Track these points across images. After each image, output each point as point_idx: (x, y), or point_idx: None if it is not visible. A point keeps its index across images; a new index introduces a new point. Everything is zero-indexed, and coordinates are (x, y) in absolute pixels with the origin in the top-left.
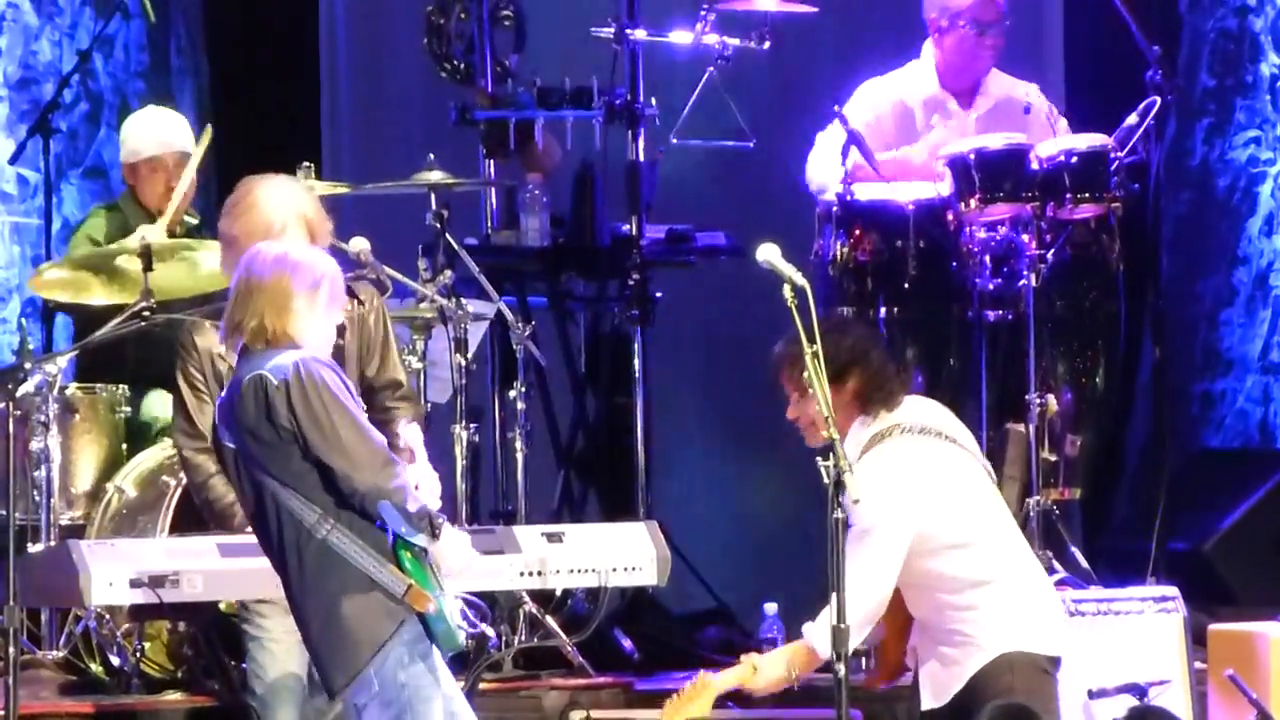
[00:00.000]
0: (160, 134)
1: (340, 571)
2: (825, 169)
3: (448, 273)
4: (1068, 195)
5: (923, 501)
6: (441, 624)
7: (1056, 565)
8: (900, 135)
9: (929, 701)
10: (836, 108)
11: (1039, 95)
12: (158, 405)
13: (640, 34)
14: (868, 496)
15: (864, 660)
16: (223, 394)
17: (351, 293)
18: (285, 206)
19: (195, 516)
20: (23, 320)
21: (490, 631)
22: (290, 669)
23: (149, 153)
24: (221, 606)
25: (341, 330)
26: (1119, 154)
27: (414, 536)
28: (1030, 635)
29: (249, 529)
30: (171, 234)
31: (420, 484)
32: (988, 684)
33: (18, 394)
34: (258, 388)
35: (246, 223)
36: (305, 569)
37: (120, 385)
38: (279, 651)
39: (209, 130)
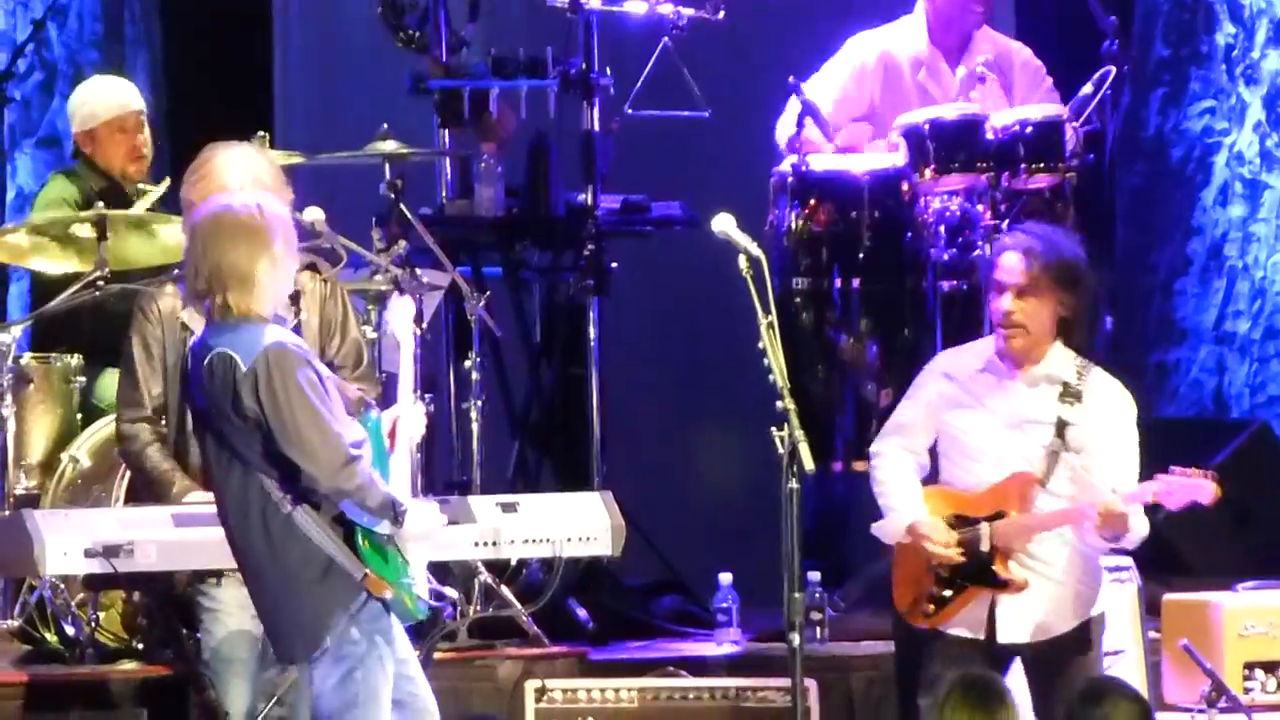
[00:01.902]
0: (116, 96)
1: (303, 546)
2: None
3: (402, 243)
4: (1022, 165)
5: None
6: (399, 605)
7: None
8: (886, 89)
9: (1015, 636)
10: (792, 79)
11: (1026, 55)
12: (111, 377)
13: (595, 3)
14: (1133, 405)
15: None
16: (192, 348)
17: (313, 267)
18: (244, 172)
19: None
20: None
21: (452, 593)
22: (243, 640)
23: (108, 115)
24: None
25: (298, 304)
26: (1074, 124)
27: (376, 526)
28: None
29: (185, 499)
30: (130, 201)
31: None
32: (1086, 635)
33: None
34: (226, 368)
35: (204, 188)
36: (272, 538)
37: (75, 355)
38: (232, 623)
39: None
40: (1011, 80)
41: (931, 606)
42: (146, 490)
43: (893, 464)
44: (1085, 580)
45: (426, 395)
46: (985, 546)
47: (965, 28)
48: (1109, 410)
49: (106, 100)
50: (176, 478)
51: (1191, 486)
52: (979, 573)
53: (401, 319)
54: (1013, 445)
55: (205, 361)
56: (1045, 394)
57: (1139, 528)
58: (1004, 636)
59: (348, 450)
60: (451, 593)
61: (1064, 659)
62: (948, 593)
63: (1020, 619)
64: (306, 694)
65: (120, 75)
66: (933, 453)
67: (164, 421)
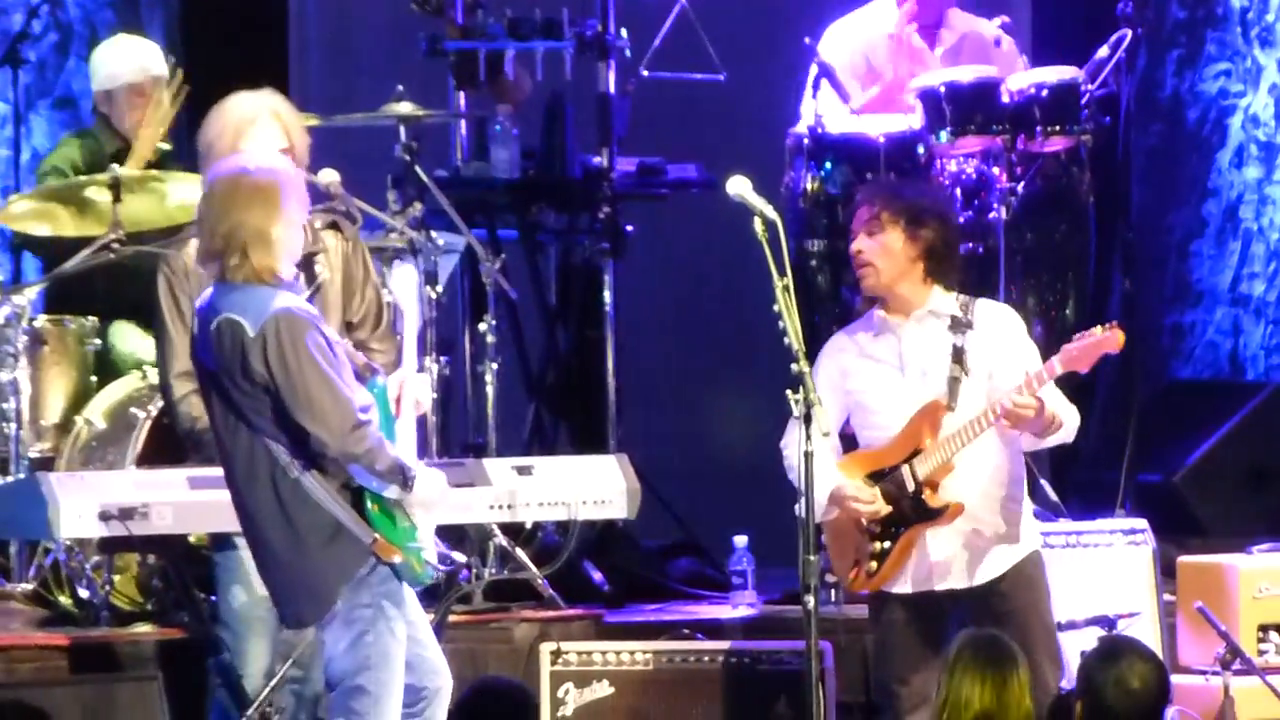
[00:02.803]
0: (141, 60)
1: (312, 511)
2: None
3: (417, 205)
4: (1038, 128)
5: None
6: (407, 570)
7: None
8: (870, 76)
9: (959, 580)
10: (808, 40)
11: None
12: (125, 339)
13: None
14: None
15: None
16: (199, 310)
17: (335, 226)
18: (258, 104)
19: (164, 449)
20: None
21: (461, 558)
22: (262, 601)
23: (131, 79)
24: (191, 539)
25: (315, 265)
26: (1089, 86)
27: (385, 490)
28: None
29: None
30: (146, 162)
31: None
32: (1028, 572)
33: None
34: (234, 332)
35: (219, 123)
36: (281, 503)
37: (90, 317)
38: (251, 583)
39: (179, 74)
40: (989, 59)
41: (874, 564)
42: (193, 450)
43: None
44: (1008, 512)
45: (443, 358)
46: (910, 486)
47: (938, 9)
48: (1001, 329)
49: (129, 62)
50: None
51: (1095, 343)
52: (911, 514)
53: (404, 286)
54: (915, 388)
55: (213, 326)
56: (934, 328)
57: (1067, 417)
58: (940, 584)
59: (357, 414)
60: (460, 557)
61: (1011, 605)
62: (886, 544)
63: (953, 563)
64: (320, 657)
65: (136, 35)
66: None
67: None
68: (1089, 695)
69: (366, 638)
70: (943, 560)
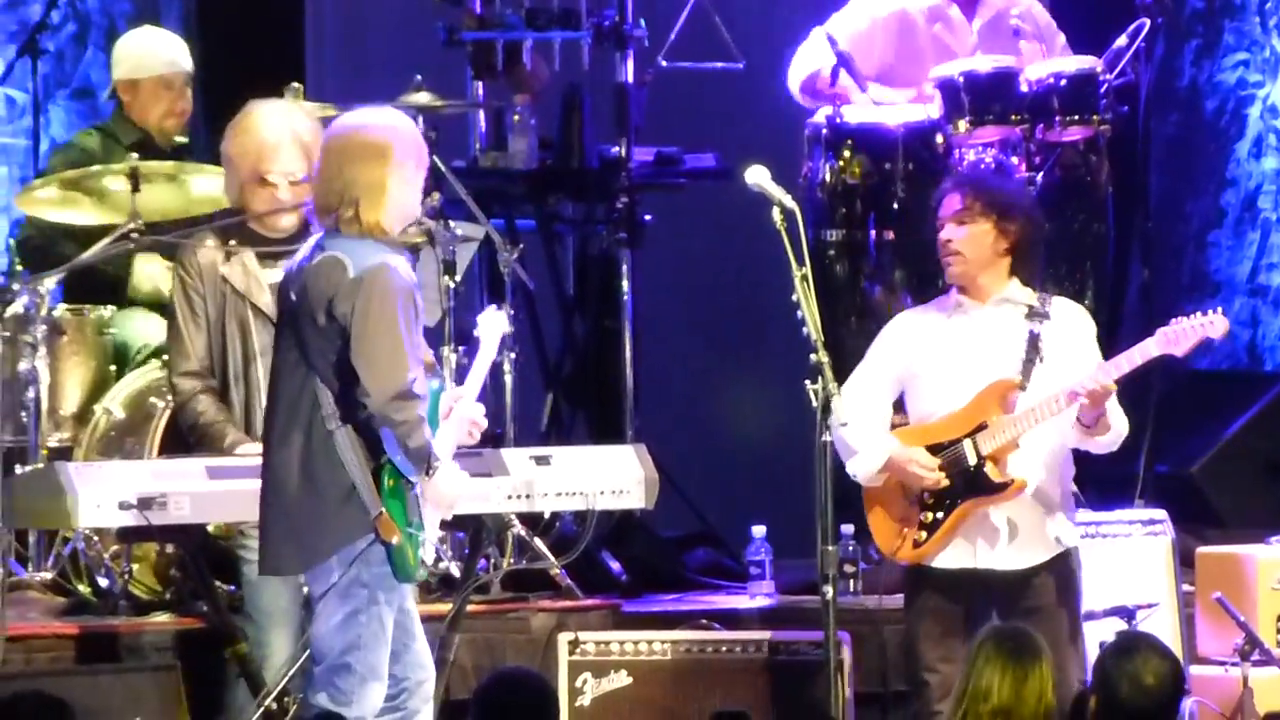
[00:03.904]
0: (167, 53)
1: (334, 468)
2: (805, 68)
3: (435, 195)
4: (1056, 117)
5: None
6: (401, 556)
7: None
8: (901, 44)
9: (1001, 560)
10: (826, 34)
11: (1037, 9)
12: (138, 327)
13: None
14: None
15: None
16: (304, 254)
17: None
18: (281, 128)
19: (183, 438)
20: (11, 241)
21: (456, 570)
22: (285, 590)
23: (157, 71)
24: (210, 529)
25: None
26: (1108, 76)
27: (405, 466)
28: None
29: (237, 451)
30: (163, 153)
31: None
32: (1065, 568)
33: (5, 315)
34: (334, 269)
35: (243, 143)
36: (310, 449)
37: (109, 307)
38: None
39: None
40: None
41: (923, 534)
42: (197, 442)
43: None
44: (1062, 500)
45: (460, 348)
46: (972, 460)
47: None
48: (1076, 326)
49: (157, 55)
50: (229, 429)
51: (1196, 325)
52: (971, 487)
53: (490, 328)
54: (983, 370)
55: (314, 261)
56: (1011, 314)
57: (1118, 424)
58: (982, 562)
59: (410, 383)
60: (455, 569)
61: (1042, 600)
62: (938, 515)
63: (999, 542)
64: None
65: (153, 26)
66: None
67: (213, 375)
68: (1103, 690)
69: (360, 617)
70: (989, 538)
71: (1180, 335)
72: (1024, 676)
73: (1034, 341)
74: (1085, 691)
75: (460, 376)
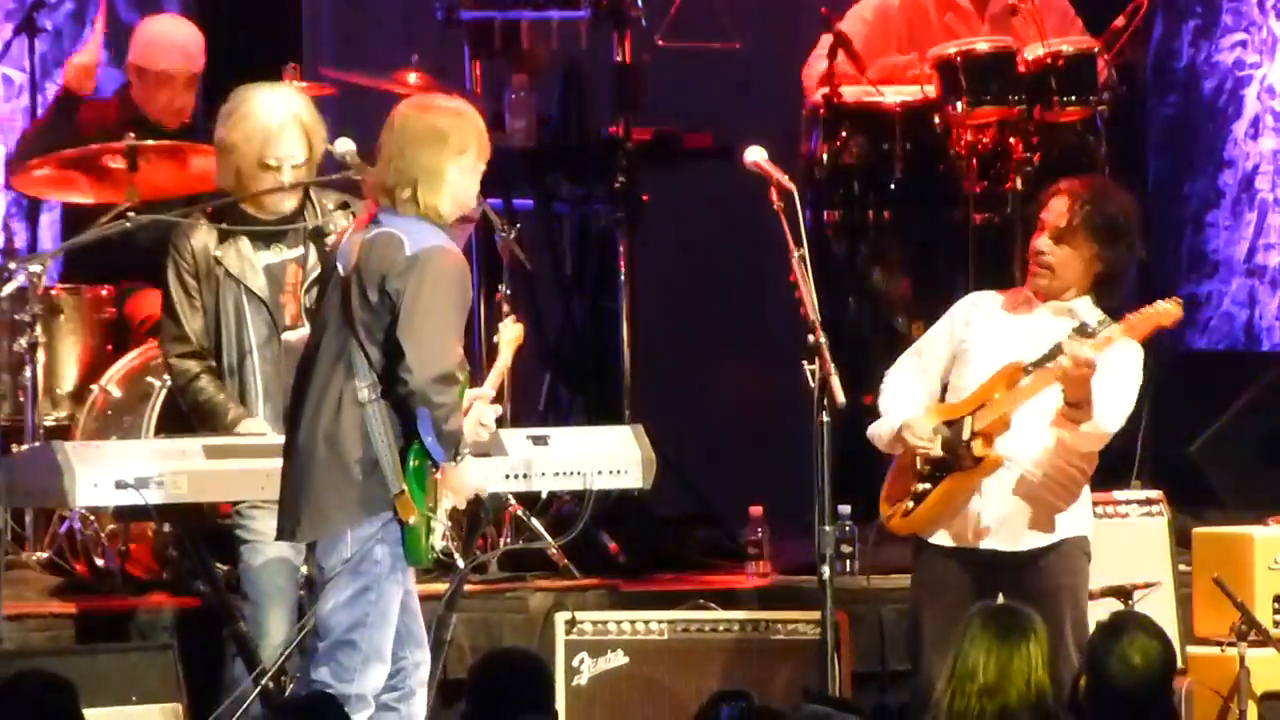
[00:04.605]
0: (182, 48)
1: (362, 442)
2: (817, 69)
3: None
4: (1054, 98)
5: None
6: (414, 538)
7: None
8: (913, 29)
9: (1003, 541)
10: (824, 10)
11: None
12: (143, 303)
13: None
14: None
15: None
16: (360, 230)
17: (346, 205)
18: (283, 112)
19: (181, 418)
20: (8, 220)
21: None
22: (282, 569)
23: (165, 65)
24: (207, 508)
25: (322, 247)
26: (1106, 56)
27: (435, 449)
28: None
29: (239, 429)
30: (162, 132)
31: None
32: (1073, 553)
33: (2, 294)
34: (391, 246)
35: (245, 130)
36: (340, 421)
37: (105, 286)
38: (271, 552)
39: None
40: (1041, 20)
41: (910, 504)
42: (200, 422)
43: (897, 377)
44: (1065, 486)
45: None
46: (965, 435)
47: None
48: (1116, 352)
49: (170, 50)
50: (231, 406)
51: (1154, 314)
52: (955, 461)
53: (508, 337)
54: (1016, 351)
55: (370, 235)
56: (1061, 325)
57: (1100, 417)
58: (984, 542)
59: (453, 367)
60: (460, 562)
61: (1047, 585)
62: (925, 486)
63: (998, 523)
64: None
65: (148, 7)
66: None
67: (212, 357)
68: (1092, 670)
69: (370, 594)
70: (990, 519)
71: (1139, 323)
72: (1009, 656)
73: (1055, 351)
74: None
75: None
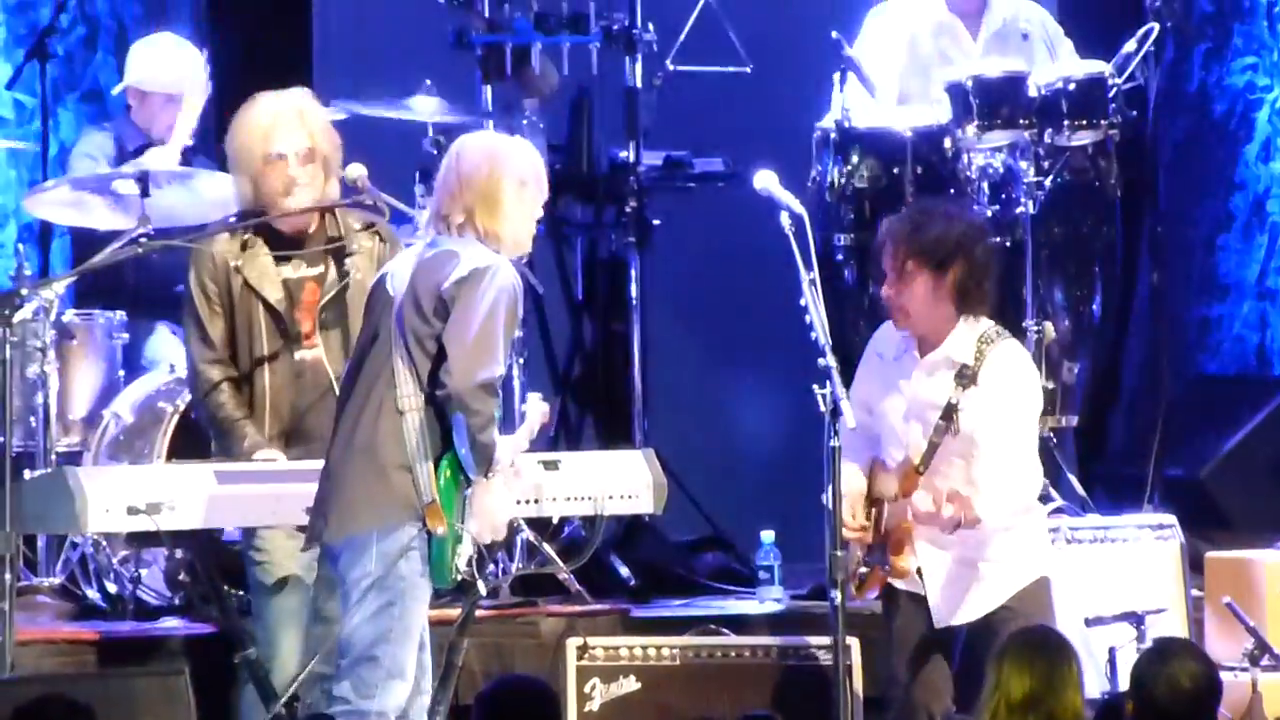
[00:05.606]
0: (179, 71)
1: (399, 449)
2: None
3: None
4: (1065, 121)
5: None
6: (441, 552)
7: (1053, 493)
8: (911, 64)
9: (956, 616)
10: (834, 34)
11: (1043, 16)
12: (162, 345)
13: None
14: (1029, 380)
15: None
16: (418, 253)
17: (371, 227)
18: (277, 105)
19: (192, 443)
20: (20, 245)
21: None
22: (294, 591)
23: (167, 90)
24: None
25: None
26: (1117, 80)
27: (468, 461)
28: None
29: (254, 455)
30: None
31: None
32: (1034, 595)
33: (14, 320)
34: (449, 262)
35: (246, 129)
36: (379, 426)
37: (118, 311)
38: (282, 574)
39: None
40: (1029, 48)
41: (857, 583)
42: (213, 435)
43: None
44: (1008, 555)
45: None
46: (884, 529)
47: None
48: (998, 391)
49: (169, 71)
50: (248, 430)
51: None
52: (879, 556)
53: (533, 414)
54: (911, 432)
55: (427, 256)
56: (942, 380)
57: (988, 517)
58: (937, 620)
59: (496, 379)
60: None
61: (1017, 620)
62: (864, 569)
63: (945, 602)
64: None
65: (163, 29)
66: None
67: (234, 365)
68: (1140, 694)
69: (394, 610)
70: (936, 599)
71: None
72: (1050, 667)
73: (949, 414)
74: (1118, 697)
75: None
